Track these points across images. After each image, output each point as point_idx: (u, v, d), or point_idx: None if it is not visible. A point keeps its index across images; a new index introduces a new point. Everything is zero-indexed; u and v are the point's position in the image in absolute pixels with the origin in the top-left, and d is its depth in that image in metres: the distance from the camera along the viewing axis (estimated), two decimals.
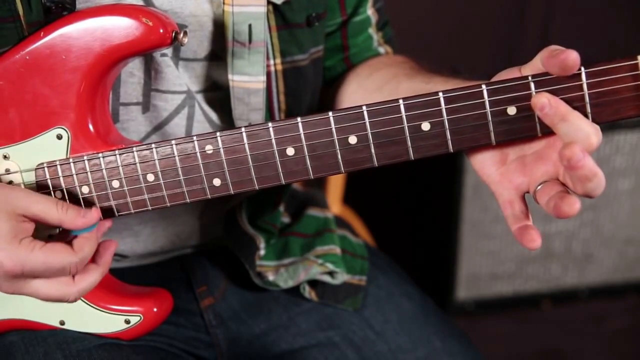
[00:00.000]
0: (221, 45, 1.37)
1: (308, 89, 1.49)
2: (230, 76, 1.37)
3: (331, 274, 1.56)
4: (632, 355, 3.01)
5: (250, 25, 1.35)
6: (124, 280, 1.39)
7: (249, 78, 1.38)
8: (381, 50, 1.61)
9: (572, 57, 1.05)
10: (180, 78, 1.37)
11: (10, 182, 1.27)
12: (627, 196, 2.90)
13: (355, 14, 1.56)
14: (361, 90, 1.49)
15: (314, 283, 1.57)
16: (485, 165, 1.19)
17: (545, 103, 1.08)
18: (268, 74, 1.41)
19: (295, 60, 1.44)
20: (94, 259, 1.26)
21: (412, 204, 3.06)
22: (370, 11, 1.58)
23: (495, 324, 2.99)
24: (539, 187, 1.13)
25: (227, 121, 1.43)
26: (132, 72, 1.34)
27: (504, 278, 2.95)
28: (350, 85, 1.53)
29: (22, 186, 1.27)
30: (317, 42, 1.48)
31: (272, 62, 1.41)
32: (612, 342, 3.03)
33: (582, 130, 1.07)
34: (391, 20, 1.64)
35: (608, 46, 2.98)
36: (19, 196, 1.21)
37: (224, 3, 1.34)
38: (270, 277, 1.54)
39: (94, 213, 1.23)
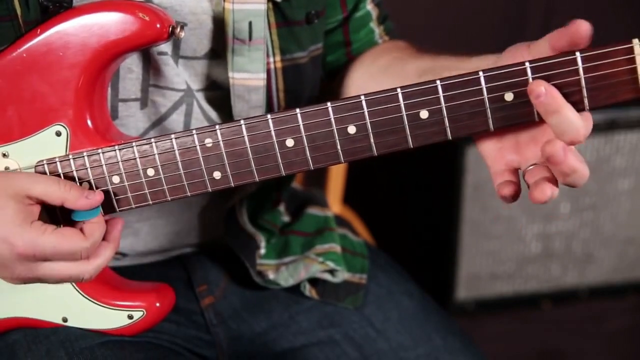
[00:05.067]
0: (221, 43, 1.37)
1: (307, 87, 1.49)
2: (230, 73, 1.38)
3: (332, 272, 1.57)
4: (632, 355, 3.02)
5: (250, 23, 1.35)
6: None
7: (249, 75, 1.38)
8: (380, 42, 1.61)
9: (584, 27, 1.09)
10: (179, 76, 1.38)
11: None
12: (627, 196, 2.90)
13: (355, 9, 1.57)
14: (366, 75, 1.50)
15: (314, 281, 1.57)
16: (486, 141, 1.20)
17: (541, 92, 1.09)
18: (268, 72, 1.41)
19: (294, 57, 1.44)
20: (103, 237, 1.27)
21: (413, 203, 3.06)
22: (369, 6, 1.58)
23: (495, 324, 2.99)
24: (529, 168, 1.16)
25: (226, 120, 1.43)
26: (131, 68, 1.35)
27: (504, 278, 2.95)
28: (355, 72, 1.54)
29: None
30: (316, 39, 1.49)
31: (271, 59, 1.42)
32: (612, 342, 3.03)
33: (573, 124, 1.08)
34: (391, 20, 1.64)
35: None
36: (21, 178, 1.22)
37: (224, 0, 1.34)
38: (271, 275, 1.54)
39: (97, 195, 1.24)
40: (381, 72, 1.44)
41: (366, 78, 1.48)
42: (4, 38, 1.25)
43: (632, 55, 1.07)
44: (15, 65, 1.24)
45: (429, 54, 1.39)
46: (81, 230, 1.23)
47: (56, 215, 1.26)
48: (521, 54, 1.15)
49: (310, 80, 1.49)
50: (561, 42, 1.10)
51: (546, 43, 1.12)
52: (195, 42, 1.37)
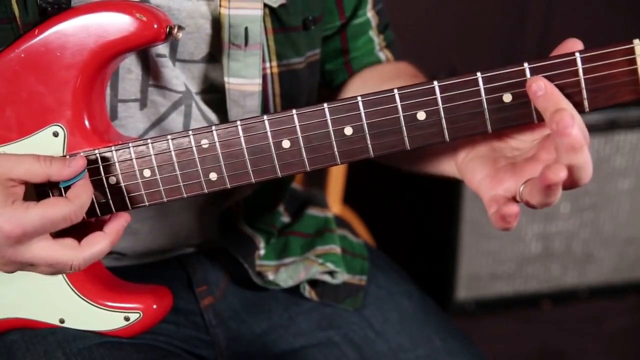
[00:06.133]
0: (218, 48, 1.37)
1: (303, 92, 1.49)
2: (226, 78, 1.37)
3: (331, 273, 1.57)
4: (632, 355, 3.02)
5: (246, 28, 1.35)
6: (123, 279, 1.39)
7: (244, 80, 1.38)
8: (381, 55, 1.60)
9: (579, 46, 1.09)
10: (178, 78, 1.37)
11: None
12: (627, 196, 2.90)
13: (354, 16, 1.56)
14: None
15: (314, 283, 1.58)
16: (476, 176, 1.17)
17: (540, 86, 1.08)
18: (264, 77, 1.41)
19: (291, 63, 1.44)
20: (101, 228, 1.25)
21: (412, 204, 3.06)
22: (370, 13, 1.57)
23: (495, 324, 2.99)
24: (522, 187, 1.11)
25: (225, 122, 1.42)
26: (130, 69, 1.34)
27: (504, 278, 2.95)
28: (359, 91, 1.52)
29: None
30: (313, 45, 1.48)
31: (268, 64, 1.41)
32: (612, 342, 3.04)
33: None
34: (391, 20, 1.63)
35: None
36: (1, 163, 1.19)
37: (220, 5, 1.34)
38: (271, 276, 1.54)
39: (79, 160, 1.21)
40: None
41: None
42: (3, 41, 1.24)
43: (632, 56, 1.06)
44: (14, 66, 1.24)
45: None
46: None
47: (46, 191, 1.24)
48: None
49: (307, 86, 1.49)
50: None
51: None
52: (193, 46, 1.37)
